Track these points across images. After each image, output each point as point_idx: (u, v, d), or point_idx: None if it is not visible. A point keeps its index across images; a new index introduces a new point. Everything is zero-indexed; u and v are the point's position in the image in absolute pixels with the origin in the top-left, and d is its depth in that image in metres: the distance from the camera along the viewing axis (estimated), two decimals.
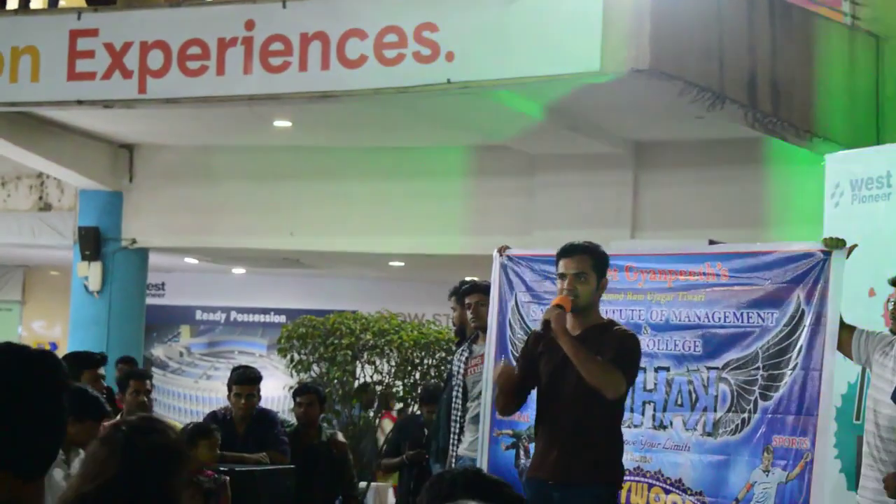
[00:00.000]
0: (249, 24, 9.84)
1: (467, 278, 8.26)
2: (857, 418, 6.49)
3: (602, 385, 5.69)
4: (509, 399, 6.08)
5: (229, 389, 8.56)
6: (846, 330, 6.07)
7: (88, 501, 3.44)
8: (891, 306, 6.00)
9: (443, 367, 11.69)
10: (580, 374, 5.71)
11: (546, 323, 5.79)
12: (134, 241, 13.32)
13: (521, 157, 11.70)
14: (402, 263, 14.97)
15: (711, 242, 8.22)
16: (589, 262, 5.93)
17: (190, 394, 18.75)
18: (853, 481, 6.46)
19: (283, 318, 18.14)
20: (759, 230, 10.75)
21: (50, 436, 2.53)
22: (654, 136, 11.24)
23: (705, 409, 6.37)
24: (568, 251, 5.97)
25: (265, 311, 18.80)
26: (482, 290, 7.47)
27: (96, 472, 3.47)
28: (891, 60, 10.68)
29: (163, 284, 18.53)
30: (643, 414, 6.59)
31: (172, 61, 10.00)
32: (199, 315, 19.29)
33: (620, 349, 5.82)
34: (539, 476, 5.94)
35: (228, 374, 8.92)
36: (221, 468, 7.38)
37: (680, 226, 11.10)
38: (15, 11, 11.09)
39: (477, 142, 11.76)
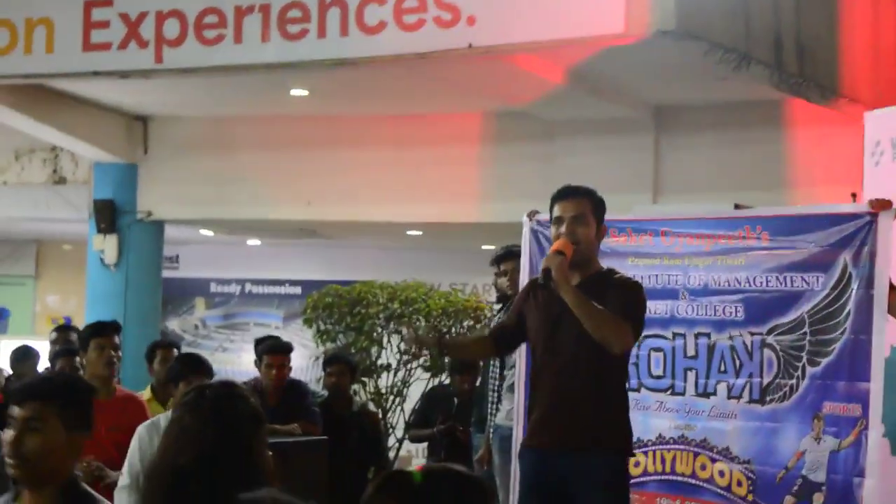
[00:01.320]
0: None
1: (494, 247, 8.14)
2: None
3: (609, 339, 5.29)
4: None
5: (259, 360, 8.46)
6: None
7: (186, 475, 3.37)
8: None
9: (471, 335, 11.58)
10: (580, 329, 5.30)
11: (546, 272, 5.37)
12: (149, 214, 13.20)
13: (540, 122, 11.57)
14: (421, 232, 14.84)
15: (737, 206, 8.10)
16: (588, 205, 5.57)
17: None
18: None
19: (298, 290, 18.05)
20: (784, 192, 10.63)
21: None
22: (675, 100, 11.10)
23: (751, 376, 6.20)
24: (565, 194, 5.62)
25: (280, 283, 18.66)
26: (518, 256, 7.28)
27: (189, 443, 3.40)
28: None
29: (177, 257, 18.40)
30: (685, 381, 6.44)
31: (189, 30, 9.86)
32: (213, 287, 19.14)
33: (625, 299, 5.42)
34: (538, 445, 5.56)
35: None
36: None
37: (703, 190, 10.96)
38: None
39: (495, 107, 11.63)
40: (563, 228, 5.52)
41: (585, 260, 5.53)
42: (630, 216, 7.07)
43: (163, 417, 6.65)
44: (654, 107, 11.30)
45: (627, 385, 5.82)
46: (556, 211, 5.59)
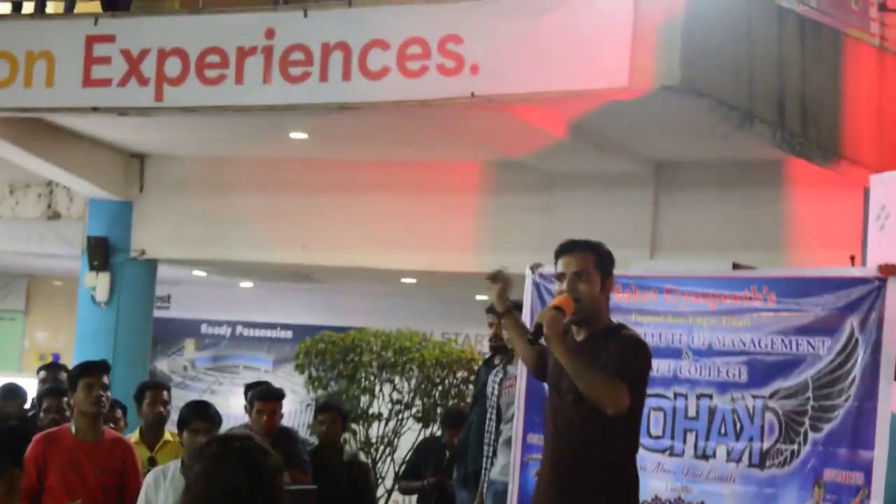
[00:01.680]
0: (270, 33, 9.69)
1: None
2: None
3: (601, 399, 5.00)
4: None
5: (251, 406, 8.34)
6: None
7: None
8: None
9: (464, 387, 11.49)
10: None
11: (538, 327, 5.13)
12: (143, 252, 13.11)
13: (539, 173, 11.49)
14: (415, 280, 14.75)
15: (735, 265, 8.03)
16: (591, 259, 5.28)
17: None
18: None
19: (289, 334, 17.93)
20: (782, 253, 10.57)
21: None
22: (675, 156, 11.04)
23: (751, 439, 6.10)
24: (567, 249, 5.33)
25: (271, 327, 18.53)
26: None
27: (221, 495, 3.38)
28: None
29: (168, 297, 18.28)
30: (685, 442, 6.34)
31: (190, 69, 9.84)
32: (204, 329, 19.01)
33: (625, 357, 5.11)
34: (542, 502, 5.37)
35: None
36: None
37: (700, 247, 10.88)
38: (31, 16, 10.93)
39: (495, 157, 11.56)
40: (564, 284, 5.32)
41: (591, 316, 5.29)
42: (635, 272, 6.98)
43: (172, 465, 6.64)
44: (655, 162, 11.24)
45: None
46: (559, 266, 5.37)
